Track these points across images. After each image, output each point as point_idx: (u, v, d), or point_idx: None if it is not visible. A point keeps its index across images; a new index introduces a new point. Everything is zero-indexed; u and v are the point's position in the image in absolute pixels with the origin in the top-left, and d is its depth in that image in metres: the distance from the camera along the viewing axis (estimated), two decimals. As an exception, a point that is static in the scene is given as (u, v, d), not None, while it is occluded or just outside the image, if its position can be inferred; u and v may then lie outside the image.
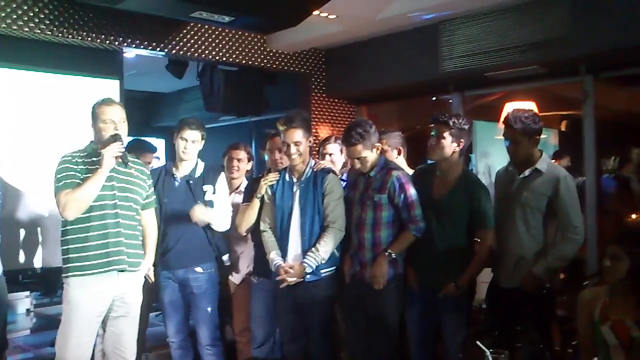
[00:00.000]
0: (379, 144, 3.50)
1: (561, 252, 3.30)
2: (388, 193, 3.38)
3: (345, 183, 3.76)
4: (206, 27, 5.39)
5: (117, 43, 4.92)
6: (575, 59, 4.71)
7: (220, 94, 6.07)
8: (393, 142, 3.87)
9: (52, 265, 4.54)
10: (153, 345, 4.52)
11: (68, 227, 3.12)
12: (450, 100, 5.93)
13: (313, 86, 6.33)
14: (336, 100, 6.52)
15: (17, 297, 5.09)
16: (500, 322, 3.46)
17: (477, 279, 3.49)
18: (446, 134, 3.35)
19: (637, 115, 6.46)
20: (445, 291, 3.31)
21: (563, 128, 7.28)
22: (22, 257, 4.61)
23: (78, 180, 3.08)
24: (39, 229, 4.67)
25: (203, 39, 5.42)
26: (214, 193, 3.73)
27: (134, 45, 5.03)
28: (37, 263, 4.67)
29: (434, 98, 6.40)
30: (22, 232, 4.62)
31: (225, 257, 3.88)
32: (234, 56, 5.64)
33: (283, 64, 6.05)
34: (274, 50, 5.93)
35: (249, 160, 4.27)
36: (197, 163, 3.77)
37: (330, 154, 4.06)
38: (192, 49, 5.37)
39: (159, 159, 5.86)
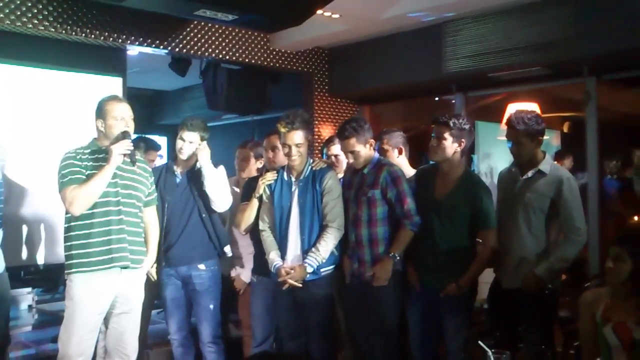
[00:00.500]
0: (372, 140, 3.52)
1: (563, 253, 3.29)
2: (380, 188, 3.40)
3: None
4: (209, 25, 5.39)
5: (120, 40, 4.93)
6: (578, 61, 4.71)
7: (223, 92, 6.08)
8: (394, 141, 3.87)
9: (54, 261, 4.56)
10: (155, 343, 4.53)
11: (71, 224, 3.12)
12: (453, 101, 5.93)
13: (316, 85, 6.33)
14: (339, 100, 6.52)
15: (19, 294, 5.11)
16: (502, 323, 3.46)
17: (479, 279, 3.49)
18: (447, 135, 3.35)
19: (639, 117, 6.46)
20: (447, 291, 3.31)
21: (565, 129, 7.29)
22: (24, 254, 4.62)
23: (83, 176, 3.08)
24: (41, 225, 4.68)
25: (206, 37, 5.42)
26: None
27: (137, 43, 5.04)
28: (40, 259, 4.68)
29: (437, 98, 6.41)
30: (25, 229, 4.63)
31: (227, 248, 3.87)
32: (237, 55, 5.64)
33: (286, 63, 6.05)
34: (277, 49, 5.93)
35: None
36: (196, 161, 3.77)
37: (335, 155, 4.03)
38: (196, 47, 5.37)
39: (162, 157, 5.87)
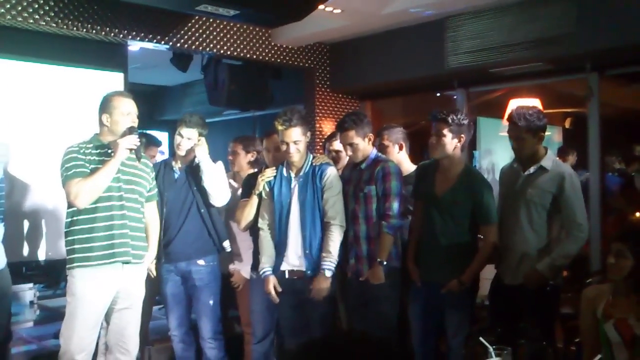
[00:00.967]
0: (371, 135, 3.52)
1: (565, 250, 3.29)
2: (375, 184, 3.39)
3: None
4: (211, 20, 5.38)
5: (121, 36, 4.91)
6: (580, 56, 4.70)
7: (225, 88, 6.07)
8: (394, 137, 3.86)
9: (56, 257, 4.56)
10: (155, 339, 4.53)
11: (73, 219, 3.12)
12: (455, 96, 5.92)
13: (317, 81, 6.32)
14: (340, 95, 6.51)
15: (21, 289, 5.10)
16: (503, 319, 3.46)
17: (481, 275, 3.49)
18: (446, 131, 3.34)
19: (642, 113, 6.46)
20: (449, 287, 3.30)
21: (567, 125, 7.28)
22: (26, 249, 4.62)
23: (87, 170, 3.08)
24: (43, 221, 4.68)
25: (208, 32, 5.41)
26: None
27: (138, 38, 5.02)
28: (41, 255, 4.68)
29: (438, 94, 6.39)
30: (26, 224, 4.64)
31: (226, 244, 3.86)
32: (238, 50, 5.63)
33: (287, 58, 6.04)
34: (278, 45, 5.92)
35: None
36: (194, 157, 3.76)
37: (337, 151, 4.02)
38: (197, 43, 5.36)
39: (163, 153, 5.87)
